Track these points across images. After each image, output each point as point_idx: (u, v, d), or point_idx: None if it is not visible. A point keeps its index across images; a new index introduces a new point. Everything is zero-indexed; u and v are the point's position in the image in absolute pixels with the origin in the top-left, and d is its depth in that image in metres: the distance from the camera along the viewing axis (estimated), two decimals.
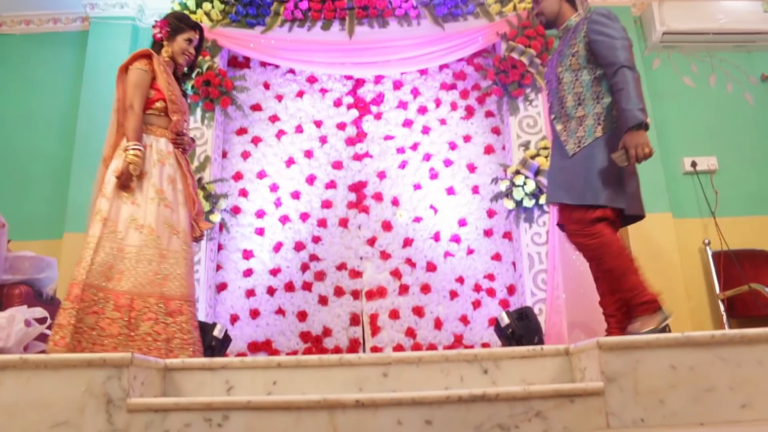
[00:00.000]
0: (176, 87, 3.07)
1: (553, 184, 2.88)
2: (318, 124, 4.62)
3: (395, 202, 4.46)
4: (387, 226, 4.41)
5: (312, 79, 4.73)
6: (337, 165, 4.53)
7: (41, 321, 3.02)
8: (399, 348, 4.15)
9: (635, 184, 2.77)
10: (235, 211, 4.44)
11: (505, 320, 3.54)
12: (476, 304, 4.28)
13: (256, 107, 4.67)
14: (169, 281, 2.79)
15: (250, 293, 4.30)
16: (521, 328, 3.44)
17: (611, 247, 2.63)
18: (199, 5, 4.56)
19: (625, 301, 2.70)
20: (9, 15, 4.93)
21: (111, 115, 3.00)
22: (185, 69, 3.19)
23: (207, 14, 4.57)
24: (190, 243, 2.95)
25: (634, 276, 2.62)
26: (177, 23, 3.08)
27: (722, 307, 4.16)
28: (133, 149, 2.79)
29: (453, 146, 4.58)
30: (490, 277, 4.34)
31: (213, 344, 3.39)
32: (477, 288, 4.31)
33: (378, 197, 4.47)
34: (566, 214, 2.79)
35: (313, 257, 4.38)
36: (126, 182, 2.78)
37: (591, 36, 2.77)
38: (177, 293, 2.79)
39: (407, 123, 4.61)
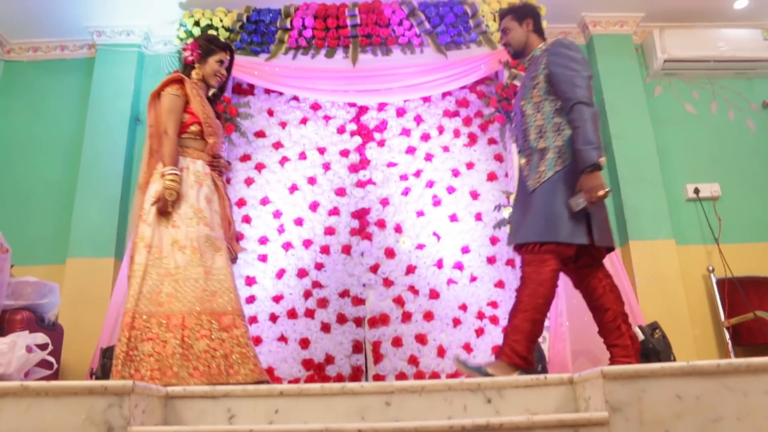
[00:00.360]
0: (210, 109, 3.09)
1: (514, 224, 2.85)
2: (321, 150, 4.64)
3: (398, 229, 4.46)
4: (390, 253, 4.40)
5: (316, 106, 4.77)
6: (340, 192, 4.54)
7: (43, 347, 3.02)
8: (402, 376, 4.12)
9: (603, 215, 2.73)
10: (238, 237, 4.44)
11: None
12: (479, 332, 4.25)
13: (260, 134, 4.69)
14: (218, 297, 2.78)
15: (253, 320, 4.28)
16: None
17: (537, 285, 2.60)
18: (204, 33, 4.62)
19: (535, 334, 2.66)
20: (17, 42, 5.00)
21: (145, 142, 3.03)
22: (216, 89, 3.22)
23: None
24: (230, 261, 2.96)
25: (529, 324, 2.58)
26: (208, 45, 3.12)
27: (727, 335, 4.13)
28: (170, 174, 2.81)
29: (456, 173, 4.59)
30: (494, 304, 4.32)
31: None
32: (480, 315, 4.29)
33: (381, 224, 4.47)
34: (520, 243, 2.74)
35: (316, 284, 4.36)
36: (163, 208, 2.80)
37: (550, 68, 2.75)
38: (228, 308, 2.79)
39: (410, 150, 4.63)
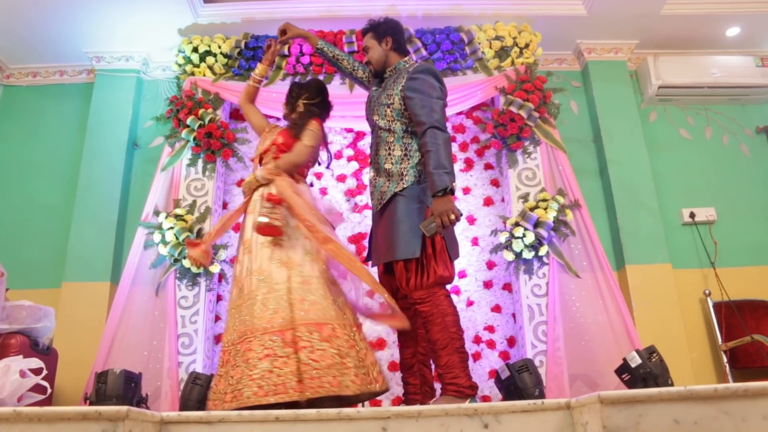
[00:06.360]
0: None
1: (373, 243, 2.91)
2: (318, 176, 4.65)
3: None
4: None
5: None
6: None
7: (37, 372, 2.99)
8: (398, 401, 4.09)
9: (451, 228, 2.75)
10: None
11: (505, 373, 3.49)
12: (476, 356, 4.23)
13: None
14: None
15: None
16: (522, 381, 3.39)
17: (442, 318, 2.59)
18: (202, 59, 4.65)
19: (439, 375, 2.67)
20: (17, 67, 5.03)
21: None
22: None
23: (210, 68, 4.65)
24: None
25: (453, 356, 2.57)
26: None
27: (725, 359, 4.12)
28: None
29: None
30: (490, 329, 4.31)
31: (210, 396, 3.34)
32: (477, 340, 4.27)
33: None
34: (404, 280, 2.71)
35: None
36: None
37: (407, 92, 2.78)
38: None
39: None
